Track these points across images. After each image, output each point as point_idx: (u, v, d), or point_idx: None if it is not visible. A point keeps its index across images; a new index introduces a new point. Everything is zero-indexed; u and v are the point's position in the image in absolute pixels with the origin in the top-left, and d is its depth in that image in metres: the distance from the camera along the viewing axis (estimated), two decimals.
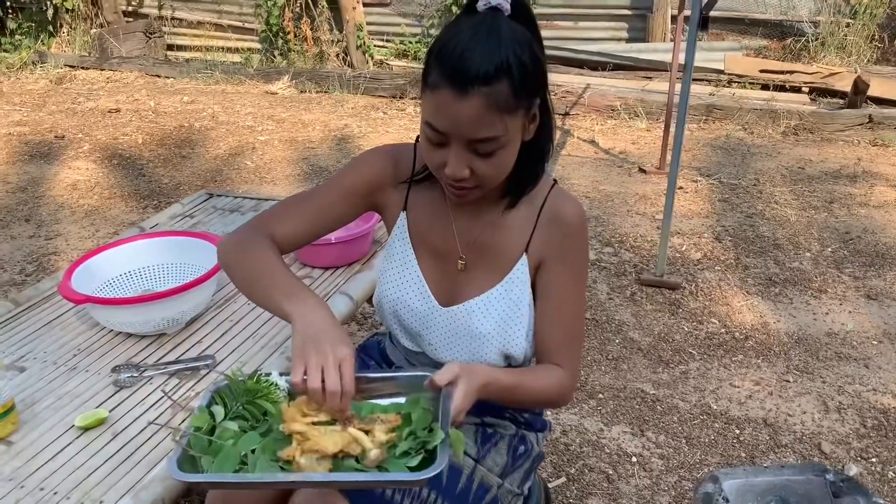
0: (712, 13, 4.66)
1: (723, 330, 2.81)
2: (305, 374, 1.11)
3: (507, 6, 1.14)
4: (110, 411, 1.51)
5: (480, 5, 1.15)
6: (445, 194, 1.31)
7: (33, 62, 7.07)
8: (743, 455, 2.17)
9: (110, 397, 1.57)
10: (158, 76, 6.82)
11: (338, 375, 1.10)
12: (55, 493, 1.31)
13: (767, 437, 2.24)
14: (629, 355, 2.64)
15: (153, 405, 1.54)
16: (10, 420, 1.47)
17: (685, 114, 2.97)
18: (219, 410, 1.19)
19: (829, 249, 3.45)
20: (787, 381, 2.51)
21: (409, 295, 1.38)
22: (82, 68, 7.02)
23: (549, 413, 2.31)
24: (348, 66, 7.06)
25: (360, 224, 2.08)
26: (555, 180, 1.34)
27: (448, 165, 1.16)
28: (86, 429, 1.47)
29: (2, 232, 3.65)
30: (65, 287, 1.74)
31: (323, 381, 1.10)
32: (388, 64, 7.07)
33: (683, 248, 3.46)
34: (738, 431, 2.27)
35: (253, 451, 1.12)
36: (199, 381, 1.62)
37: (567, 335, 1.34)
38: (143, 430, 1.47)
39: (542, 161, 1.29)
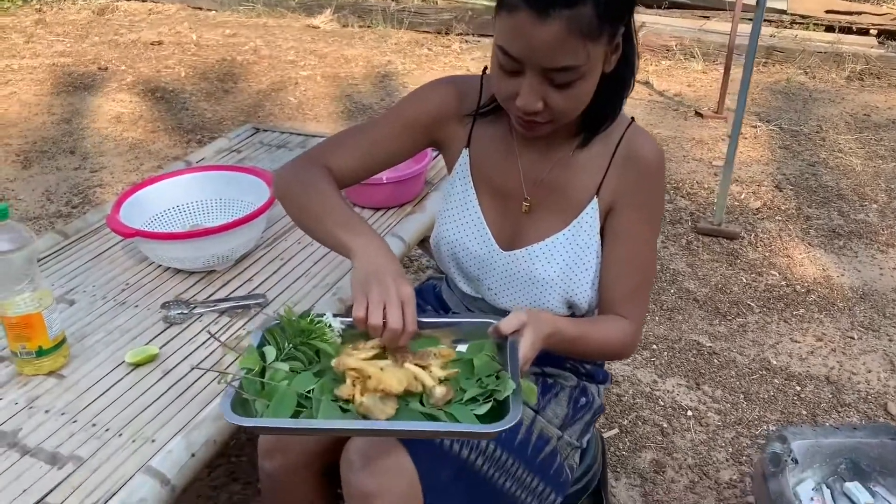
0: None
1: (783, 282, 2.70)
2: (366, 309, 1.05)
3: None
4: (160, 348, 1.48)
5: None
6: (512, 130, 1.23)
7: None
8: (804, 413, 2.09)
9: (160, 333, 1.53)
10: (200, 8, 6.71)
11: (400, 312, 1.05)
12: (107, 430, 1.29)
13: (830, 396, 2.15)
14: (684, 306, 2.55)
15: (203, 343, 1.50)
16: (62, 353, 1.44)
17: (753, 56, 2.80)
18: (270, 351, 1.14)
19: None
20: (852, 338, 2.40)
21: (469, 237, 1.31)
22: (124, 0, 6.94)
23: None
24: None
25: (411, 164, 1.99)
26: (632, 118, 1.24)
27: (520, 96, 1.08)
28: (136, 365, 1.43)
29: (48, 163, 3.64)
30: (113, 220, 1.70)
31: (384, 318, 1.05)
32: None
33: (742, 197, 3.32)
34: (798, 388, 2.18)
35: (309, 393, 1.06)
36: (249, 320, 1.58)
37: (635, 286, 1.26)
38: (193, 369, 1.43)
39: (622, 96, 1.19)
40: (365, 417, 1.02)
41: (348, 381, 1.06)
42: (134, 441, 1.26)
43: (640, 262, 1.26)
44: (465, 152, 1.31)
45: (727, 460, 1.94)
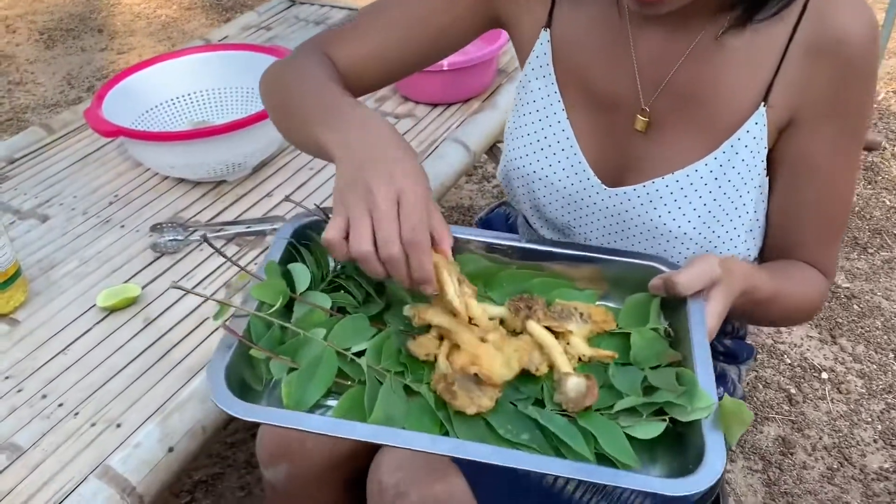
0: None
1: None
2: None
3: None
4: (143, 287, 1.12)
5: None
6: (619, 1, 0.77)
7: None
8: None
9: (147, 266, 1.17)
10: None
11: (396, 225, 0.61)
12: (60, 405, 0.95)
13: None
14: None
15: (201, 282, 1.14)
16: (18, 289, 1.10)
17: None
18: (301, 272, 0.73)
19: None
20: None
21: (555, 168, 0.87)
22: None
23: None
24: None
25: (480, 45, 1.53)
26: None
27: None
28: (110, 310, 1.08)
29: (73, 43, 3.27)
30: (93, 114, 1.30)
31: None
32: None
33: (880, 97, 2.74)
34: None
35: (359, 355, 0.67)
36: (263, 252, 1.20)
37: (830, 228, 0.85)
38: (184, 317, 1.07)
39: None
40: (443, 404, 0.63)
41: (433, 332, 0.67)
42: (94, 425, 0.93)
43: (838, 198, 0.84)
44: (545, 35, 0.86)
45: (875, 441, 1.51)
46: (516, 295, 0.72)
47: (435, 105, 1.60)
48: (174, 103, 1.46)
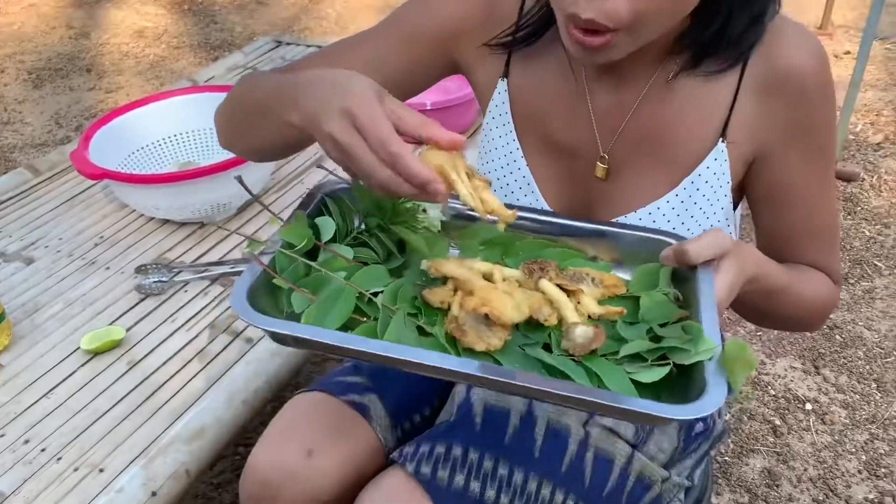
0: None
1: None
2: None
3: None
4: (128, 330, 1.12)
5: None
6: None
7: None
8: None
9: (132, 308, 1.18)
10: None
11: (360, 143, 0.61)
12: (42, 451, 0.95)
13: None
14: None
15: (185, 324, 1.14)
16: (1, 333, 1.10)
17: None
18: (328, 224, 0.76)
19: None
20: None
21: None
22: None
23: None
24: None
25: (461, 85, 1.56)
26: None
27: None
28: (95, 353, 1.08)
29: (61, 83, 3.29)
30: (79, 156, 1.32)
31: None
32: None
33: (858, 129, 2.79)
34: None
35: (376, 296, 0.69)
36: None
37: (824, 238, 0.88)
38: (168, 360, 1.07)
39: (750, 25, 0.76)
40: (456, 345, 0.65)
41: (448, 285, 0.70)
42: (76, 470, 0.93)
43: (824, 211, 0.86)
44: (503, 85, 0.89)
45: (860, 472, 1.52)
46: (531, 259, 0.75)
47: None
48: (161, 144, 1.48)
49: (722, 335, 0.66)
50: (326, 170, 0.92)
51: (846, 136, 2.68)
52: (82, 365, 1.07)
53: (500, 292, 0.66)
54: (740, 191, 0.86)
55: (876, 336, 1.85)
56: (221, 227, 1.35)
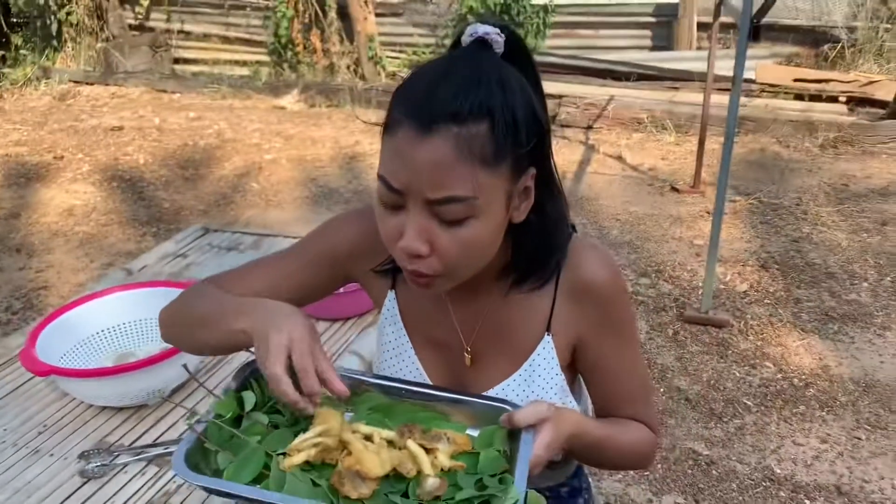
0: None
1: (779, 375, 2.52)
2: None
3: (498, 40, 0.90)
4: None
5: (465, 37, 0.91)
6: None
7: (37, 78, 6.87)
8: None
9: (75, 491, 1.30)
10: (164, 91, 6.60)
11: (284, 358, 0.88)
12: None
13: None
14: (676, 408, 2.35)
15: (125, 502, 1.27)
16: None
17: (734, 131, 2.69)
18: (249, 397, 0.97)
19: (889, 279, 3.14)
20: (859, 439, 2.21)
21: None
22: (87, 84, 6.82)
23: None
24: (360, 78, 6.81)
25: None
26: (571, 230, 1.05)
27: (403, 236, 0.89)
28: None
29: None
30: (27, 355, 1.48)
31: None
32: (400, 76, 6.82)
33: (727, 279, 3.17)
34: (808, 502, 1.97)
35: (283, 455, 0.90)
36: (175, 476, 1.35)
37: (639, 396, 1.10)
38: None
39: (549, 255, 1.02)
40: (336, 492, 0.87)
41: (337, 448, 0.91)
42: None
43: (637, 380, 1.10)
44: (392, 296, 1.13)
45: None
46: (404, 424, 0.97)
47: (334, 320, 1.84)
48: (100, 336, 1.65)
49: (529, 488, 0.88)
50: (250, 352, 1.14)
51: (715, 286, 3.05)
52: None
53: (370, 453, 0.88)
54: (573, 369, 1.11)
55: (747, 469, 2.09)
56: (168, 399, 1.51)
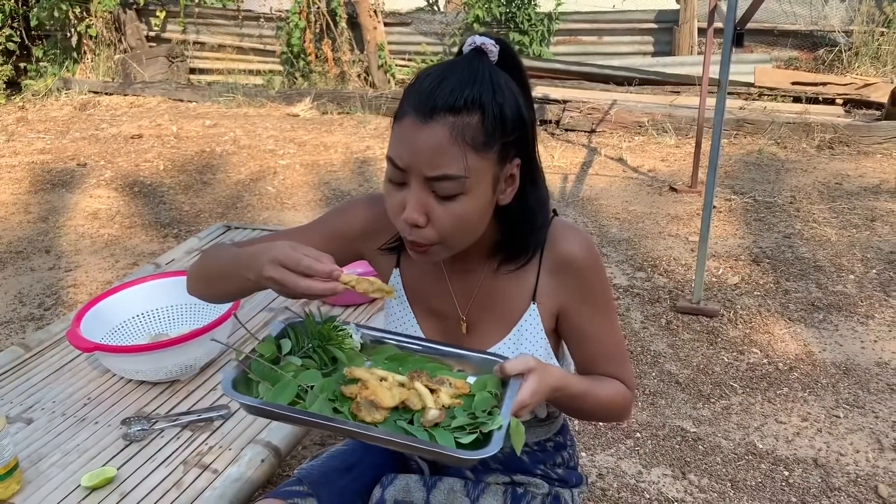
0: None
1: (765, 360, 2.67)
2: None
3: (493, 50, 1.08)
4: (118, 469, 1.43)
5: (466, 47, 1.10)
6: None
7: (58, 89, 7.11)
8: (793, 499, 2.03)
9: (119, 452, 1.48)
10: (181, 100, 6.82)
11: (290, 253, 1.04)
12: None
13: (819, 480, 2.10)
14: (667, 390, 2.51)
15: (164, 462, 1.45)
16: (14, 480, 1.38)
17: (720, 132, 2.84)
18: (286, 344, 1.16)
19: (875, 271, 3.29)
20: (837, 417, 2.36)
21: None
22: (106, 94, 7.05)
23: (583, 456, 2.19)
24: (370, 86, 7.01)
25: None
26: (553, 213, 1.22)
27: (405, 208, 1.06)
28: (92, 489, 1.38)
29: (22, 264, 3.61)
30: (73, 334, 1.66)
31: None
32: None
33: (720, 272, 3.32)
34: (786, 473, 2.13)
35: (312, 388, 1.09)
36: (212, 434, 1.53)
37: (616, 358, 1.26)
38: (152, 490, 1.38)
39: (532, 235, 1.18)
40: (355, 417, 1.05)
41: (358, 384, 1.09)
42: None
43: (612, 345, 1.25)
44: (397, 273, 1.29)
45: None
46: (414, 370, 1.15)
47: (346, 306, 2.01)
48: (135, 321, 1.83)
49: (511, 418, 1.04)
50: (291, 311, 1.34)
51: (708, 279, 3.20)
52: (83, 498, 1.36)
53: (384, 388, 1.06)
54: (556, 335, 1.27)
55: (731, 444, 2.25)
56: (231, 347, 1.69)
